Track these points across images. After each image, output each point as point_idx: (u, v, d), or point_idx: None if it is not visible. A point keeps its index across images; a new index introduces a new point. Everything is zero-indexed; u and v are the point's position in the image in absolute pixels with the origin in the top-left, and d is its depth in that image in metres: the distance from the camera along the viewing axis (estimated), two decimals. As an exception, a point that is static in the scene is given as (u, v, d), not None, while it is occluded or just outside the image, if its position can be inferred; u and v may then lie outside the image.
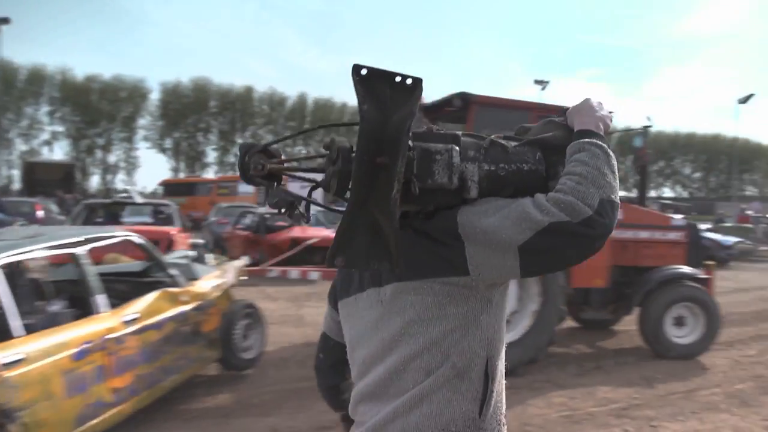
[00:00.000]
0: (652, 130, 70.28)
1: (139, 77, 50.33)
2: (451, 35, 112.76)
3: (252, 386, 5.56)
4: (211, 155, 53.63)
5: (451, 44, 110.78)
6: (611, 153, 1.29)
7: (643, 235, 6.89)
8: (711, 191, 73.28)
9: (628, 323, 7.62)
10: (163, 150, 52.18)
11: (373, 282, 1.39)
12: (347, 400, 1.54)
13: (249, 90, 52.55)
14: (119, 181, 50.57)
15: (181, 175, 49.24)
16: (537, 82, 51.64)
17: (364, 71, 1.14)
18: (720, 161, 71.13)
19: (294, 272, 8.23)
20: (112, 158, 51.30)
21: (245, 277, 6.56)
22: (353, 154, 1.18)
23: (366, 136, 1.14)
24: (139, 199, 14.69)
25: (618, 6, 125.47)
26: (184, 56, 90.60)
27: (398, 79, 1.16)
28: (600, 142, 1.30)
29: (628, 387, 5.69)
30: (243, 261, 6.83)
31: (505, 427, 1.40)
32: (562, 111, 1.45)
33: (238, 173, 1.37)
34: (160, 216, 11.32)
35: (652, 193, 66.86)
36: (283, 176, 1.37)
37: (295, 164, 1.41)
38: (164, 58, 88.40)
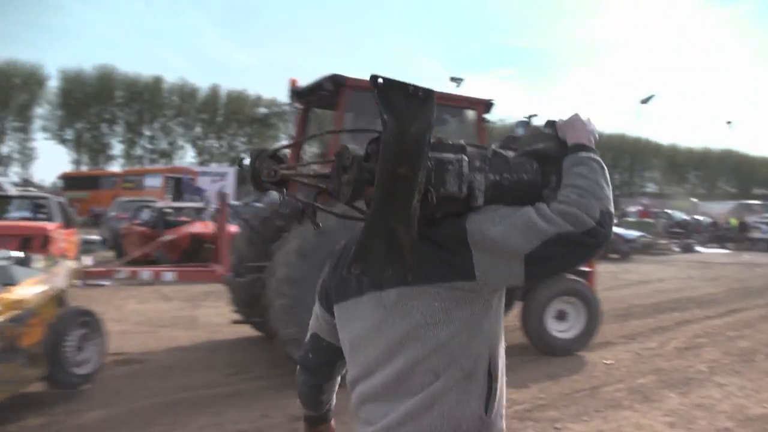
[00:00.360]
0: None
1: (35, 63, 46.96)
2: (370, 30, 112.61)
3: (126, 400, 4.95)
4: (117, 147, 50.90)
5: (370, 39, 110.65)
6: (605, 166, 1.37)
7: None
8: (616, 188, 75.71)
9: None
10: (63, 141, 48.99)
11: (372, 286, 1.41)
12: (325, 402, 1.71)
13: (158, 80, 50.15)
14: (13, 174, 47.02)
15: (84, 168, 46.43)
16: (453, 79, 52.33)
17: (380, 81, 1.19)
18: (624, 159, 74.81)
19: (146, 273, 7.49)
20: (4, 149, 47.68)
21: (80, 282, 5.94)
22: (365, 163, 1.26)
23: (388, 147, 1.17)
24: (12, 191, 13.42)
25: (528, 7, 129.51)
26: (86, 42, 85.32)
27: (411, 90, 1.20)
28: (596, 156, 1.38)
29: (534, 386, 5.51)
30: (78, 262, 6.12)
31: (504, 419, 1.45)
32: (550, 124, 1.50)
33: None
34: (42, 210, 10.29)
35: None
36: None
37: (310, 169, 1.46)
38: (64, 44, 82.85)
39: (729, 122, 66.22)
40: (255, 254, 5.93)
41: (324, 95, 5.91)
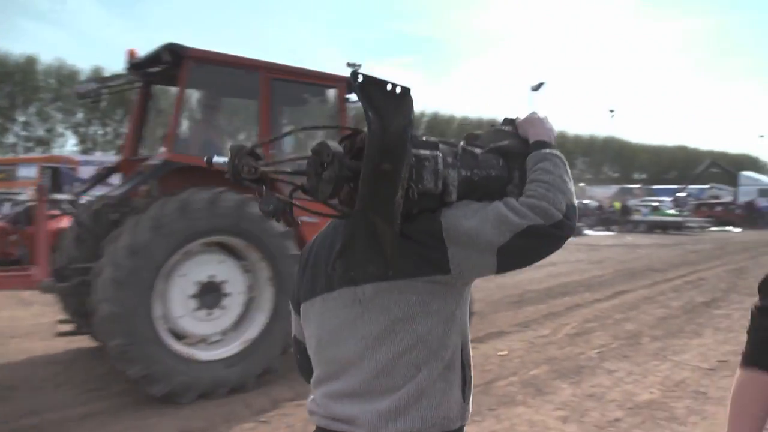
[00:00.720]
0: (457, 116, 74.63)
1: None
2: (270, 18, 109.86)
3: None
4: (-14, 135, 46.49)
5: (270, 27, 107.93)
6: (566, 162, 1.44)
7: None
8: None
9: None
10: None
11: (345, 282, 1.41)
12: None
13: (31, 60, 46.15)
14: None
15: (-55, 157, 42.03)
16: (349, 64, 51.88)
17: (360, 78, 1.22)
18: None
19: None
20: None
21: None
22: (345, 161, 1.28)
23: (372, 143, 1.21)
24: None
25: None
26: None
27: (389, 87, 1.24)
28: (558, 153, 1.45)
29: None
30: None
31: None
32: (509, 121, 1.55)
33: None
34: None
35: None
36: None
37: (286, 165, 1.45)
38: None
39: (611, 111, 69.97)
40: (85, 254, 5.17)
41: (165, 69, 5.27)
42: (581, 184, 58.41)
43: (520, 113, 1.55)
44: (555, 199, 1.34)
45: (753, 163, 62.47)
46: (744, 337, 1.38)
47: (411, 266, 1.34)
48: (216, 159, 1.63)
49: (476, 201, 1.39)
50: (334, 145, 1.30)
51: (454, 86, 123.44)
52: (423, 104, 68.52)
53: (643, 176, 79.28)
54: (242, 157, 1.33)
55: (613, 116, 70.38)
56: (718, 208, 33.47)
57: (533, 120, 1.51)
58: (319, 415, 1.47)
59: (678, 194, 40.88)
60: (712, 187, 42.33)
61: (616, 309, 8.63)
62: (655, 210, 31.84)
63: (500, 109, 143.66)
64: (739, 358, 1.39)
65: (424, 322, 1.37)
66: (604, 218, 28.50)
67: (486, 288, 10.31)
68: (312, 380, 1.54)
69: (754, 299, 1.38)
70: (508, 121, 1.55)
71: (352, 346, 1.40)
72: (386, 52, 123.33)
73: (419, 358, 1.37)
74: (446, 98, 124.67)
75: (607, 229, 27.84)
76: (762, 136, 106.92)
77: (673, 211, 32.49)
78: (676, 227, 27.70)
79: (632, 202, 32.72)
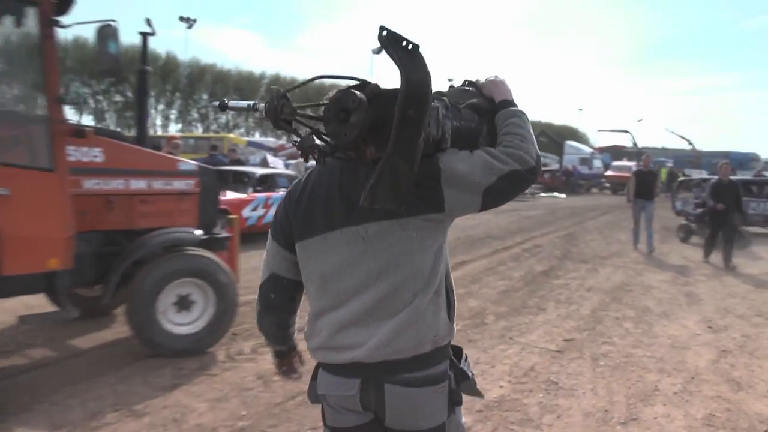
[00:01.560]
0: (299, 78, 72.83)
1: None
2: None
3: None
4: None
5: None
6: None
7: (138, 185, 4.90)
8: (352, 139, 79.76)
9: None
10: None
11: (347, 221, 1.61)
12: (292, 334, 1.95)
13: None
14: None
15: None
16: (182, 19, 48.50)
17: (384, 32, 1.42)
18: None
19: None
20: None
21: None
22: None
23: (401, 92, 1.39)
24: None
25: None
26: None
27: (404, 43, 1.41)
28: (522, 110, 1.69)
29: (235, 399, 4.19)
30: None
31: None
32: (470, 83, 1.78)
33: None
34: None
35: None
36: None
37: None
38: None
39: (450, 81, 71.82)
40: None
41: None
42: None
43: (480, 76, 1.79)
44: (528, 148, 1.62)
45: (573, 134, 67.49)
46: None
47: (412, 206, 1.54)
48: (233, 102, 1.73)
49: (459, 149, 1.60)
50: (359, 93, 1.46)
51: (300, 49, 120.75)
52: (263, 66, 65.96)
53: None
54: (280, 98, 1.49)
55: (451, 85, 72.16)
56: (546, 175, 35.43)
57: (496, 82, 1.75)
58: (324, 348, 1.69)
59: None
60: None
61: (459, 283, 8.07)
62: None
63: (344, 71, 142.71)
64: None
65: (420, 255, 1.61)
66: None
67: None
68: (313, 313, 1.72)
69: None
70: (470, 83, 1.78)
71: (357, 279, 1.62)
72: (224, 12, 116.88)
73: (416, 287, 1.61)
74: (291, 61, 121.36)
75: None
76: (581, 110, 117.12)
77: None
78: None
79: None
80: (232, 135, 44.83)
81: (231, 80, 68.06)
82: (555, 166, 38.76)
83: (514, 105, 1.71)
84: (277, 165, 15.65)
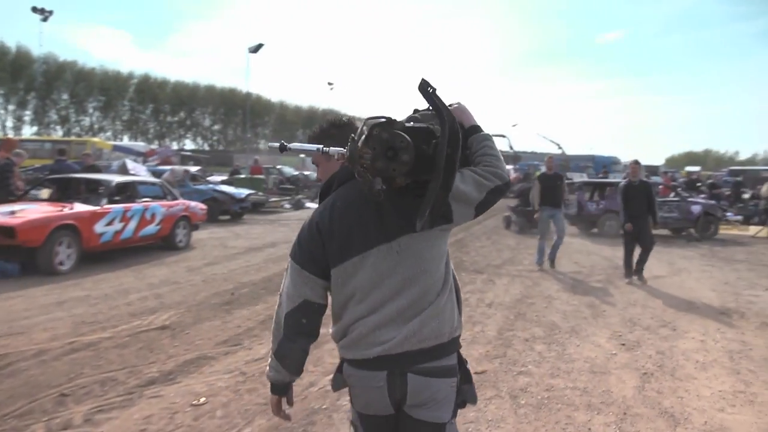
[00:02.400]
0: (170, 79, 68.91)
1: None
2: None
3: None
4: None
5: None
6: None
7: None
8: (229, 143, 76.76)
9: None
10: None
11: (383, 239, 1.89)
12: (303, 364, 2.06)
13: None
14: None
15: None
16: (35, 10, 44.58)
17: (429, 88, 1.75)
18: (237, 115, 74.86)
19: None
20: None
21: None
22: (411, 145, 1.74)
23: (443, 135, 1.71)
24: None
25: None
26: None
27: (430, 89, 1.75)
28: (488, 134, 2.01)
29: None
30: None
31: None
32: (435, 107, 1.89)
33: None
34: None
35: (174, 145, 66.14)
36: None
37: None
38: None
39: (330, 84, 71.19)
40: None
41: None
42: (302, 156, 58.43)
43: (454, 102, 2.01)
44: (502, 166, 1.94)
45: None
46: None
47: (436, 221, 1.86)
48: (295, 145, 2.04)
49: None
50: (405, 134, 1.73)
51: (172, 50, 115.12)
52: (131, 66, 61.81)
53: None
54: (362, 147, 1.75)
55: (332, 89, 71.66)
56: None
57: (463, 109, 2.01)
58: (354, 347, 1.93)
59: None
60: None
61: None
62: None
63: (219, 72, 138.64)
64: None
65: (439, 260, 1.94)
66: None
67: (190, 283, 8.09)
68: (346, 321, 1.94)
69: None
70: (434, 108, 1.84)
71: (392, 288, 1.89)
72: (86, 4, 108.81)
73: (438, 287, 1.93)
74: (163, 62, 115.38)
75: (329, 201, 27.31)
76: (515, 125, 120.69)
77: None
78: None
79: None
80: (96, 139, 41.24)
81: (95, 79, 62.98)
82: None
83: (481, 129, 2.00)
84: (138, 172, 13.87)
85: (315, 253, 1.93)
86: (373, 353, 1.89)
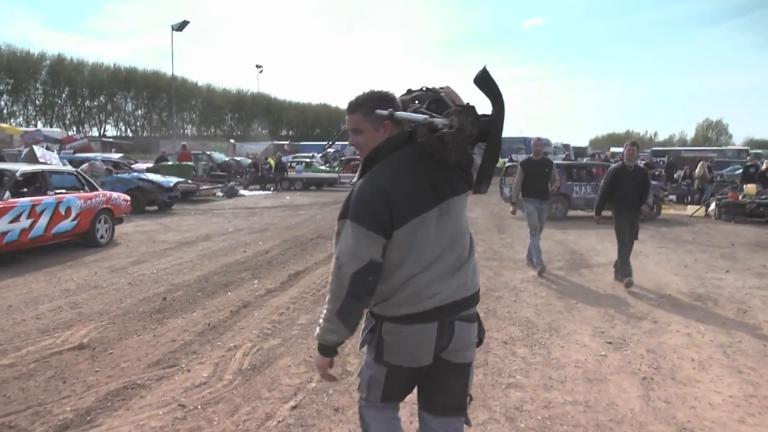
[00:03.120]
0: (88, 61, 65.16)
1: None
2: None
3: None
4: None
5: None
6: None
7: None
8: (154, 129, 73.39)
9: None
10: None
11: (435, 201, 2.14)
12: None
13: None
14: None
15: None
16: None
17: (488, 75, 2.05)
18: (161, 99, 71.51)
19: None
20: None
21: None
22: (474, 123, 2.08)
23: (500, 115, 2.08)
24: None
25: None
26: None
27: (496, 84, 2.07)
28: None
29: None
30: None
31: None
32: (430, 89, 2.32)
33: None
34: None
35: (95, 132, 62.64)
36: None
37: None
38: None
39: (259, 67, 68.90)
40: None
41: None
42: (231, 141, 56.39)
43: (442, 85, 2.32)
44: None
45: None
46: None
47: (466, 185, 2.23)
48: (402, 114, 2.17)
49: None
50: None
51: (93, 33, 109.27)
52: (44, 47, 57.86)
53: (291, 133, 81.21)
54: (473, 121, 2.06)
55: (261, 72, 69.39)
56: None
57: (454, 91, 2.30)
58: (409, 303, 2.12)
59: (327, 150, 41.75)
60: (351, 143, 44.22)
61: (299, 306, 6.34)
62: (309, 166, 31.40)
63: (143, 56, 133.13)
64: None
65: (467, 222, 2.30)
66: (259, 176, 26.54)
67: (113, 287, 7.05)
68: (399, 279, 2.12)
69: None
70: (430, 89, 2.31)
71: (441, 245, 2.16)
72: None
73: (469, 245, 2.26)
74: (81, 43, 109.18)
75: (263, 188, 26.12)
76: None
77: (324, 167, 32.55)
78: (330, 183, 27.49)
79: (285, 159, 31.68)
80: (5, 125, 38.14)
81: (1, 60, 58.45)
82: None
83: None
84: (50, 160, 12.38)
85: (381, 215, 2.06)
86: (428, 306, 2.11)
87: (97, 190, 10.16)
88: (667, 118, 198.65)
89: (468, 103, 2.11)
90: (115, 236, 10.63)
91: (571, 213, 15.54)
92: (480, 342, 2.31)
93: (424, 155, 2.12)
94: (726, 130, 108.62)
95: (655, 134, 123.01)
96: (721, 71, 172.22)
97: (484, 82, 2.03)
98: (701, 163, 20.77)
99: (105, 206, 10.04)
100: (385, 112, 2.11)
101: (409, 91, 2.34)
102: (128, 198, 11.27)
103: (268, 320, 5.75)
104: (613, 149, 59.87)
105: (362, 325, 2.26)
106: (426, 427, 2.33)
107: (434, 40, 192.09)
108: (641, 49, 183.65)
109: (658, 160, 38.55)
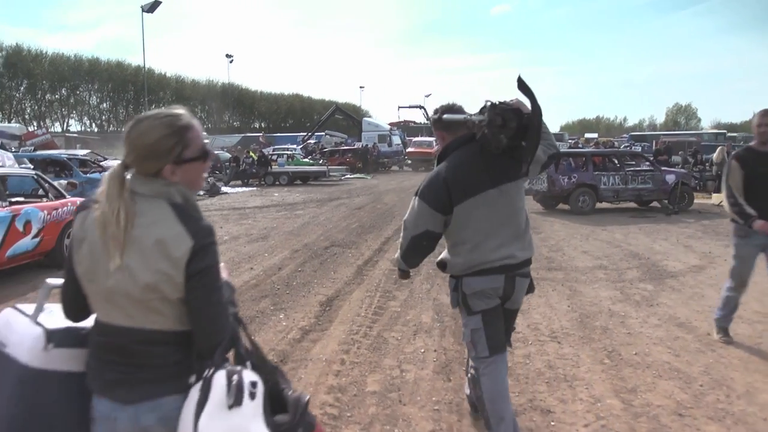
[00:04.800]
0: (47, 52, 61.79)
1: None
2: None
3: None
4: None
5: None
6: None
7: None
8: (121, 123, 70.27)
9: None
10: None
11: (491, 185, 2.84)
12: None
13: None
14: None
15: None
16: None
17: (524, 82, 2.64)
18: (127, 91, 68.43)
19: None
20: None
21: None
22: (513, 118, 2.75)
23: (539, 113, 2.68)
24: None
25: None
26: None
27: (531, 88, 2.67)
28: (545, 122, 2.98)
29: None
30: None
31: None
32: (495, 103, 2.82)
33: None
34: None
35: (57, 128, 59.50)
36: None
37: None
38: None
39: (229, 57, 66.14)
40: None
41: None
42: (203, 134, 53.77)
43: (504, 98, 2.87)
44: (554, 141, 3.04)
45: (356, 111, 66.36)
46: None
47: (521, 172, 2.86)
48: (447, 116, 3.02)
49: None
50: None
51: (48, 24, 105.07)
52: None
53: (263, 124, 78.70)
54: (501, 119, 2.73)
55: (231, 62, 66.60)
56: (349, 155, 32.93)
57: (521, 101, 2.81)
58: (481, 262, 2.88)
59: (308, 141, 39.81)
60: (326, 134, 42.40)
61: (356, 358, 4.63)
62: (291, 159, 29.50)
63: (106, 46, 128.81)
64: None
65: (523, 204, 2.97)
66: (240, 172, 24.52)
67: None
68: (469, 246, 2.89)
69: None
70: (496, 103, 2.80)
71: (498, 220, 2.87)
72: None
73: (525, 222, 2.96)
74: (38, 36, 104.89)
75: (246, 184, 24.17)
76: (362, 87, 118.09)
77: (307, 160, 30.69)
78: (317, 177, 25.64)
79: (267, 151, 29.74)
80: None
81: None
82: (358, 145, 36.43)
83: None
84: (2, 161, 10.20)
85: (441, 196, 2.87)
86: (495, 264, 2.87)
87: (64, 196, 8.21)
88: (634, 104, 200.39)
89: (492, 101, 2.77)
90: (89, 252, 8.75)
91: (598, 206, 14.06)
92: (532, 289, 3.13)
93: (484, 150, 2.83)
94: (695, 114, 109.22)
95: (625, 119, 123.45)
96: (686, 56, 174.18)
97: (523, 87, 2.65)
98: (720, 148, 19.45)
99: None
100: (436, 116, 3.05)
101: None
102: (103, 204, 9.26)
103: (325, 387, 4.02)
104: (588, 135, 59.06)
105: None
106: None
107: (402, 27, 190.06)
108: (606, 35, 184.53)
109: (638, 144, 37.56)
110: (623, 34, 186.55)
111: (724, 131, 60.96)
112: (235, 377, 1.50)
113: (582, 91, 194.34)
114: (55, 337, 1.66)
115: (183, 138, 1.59)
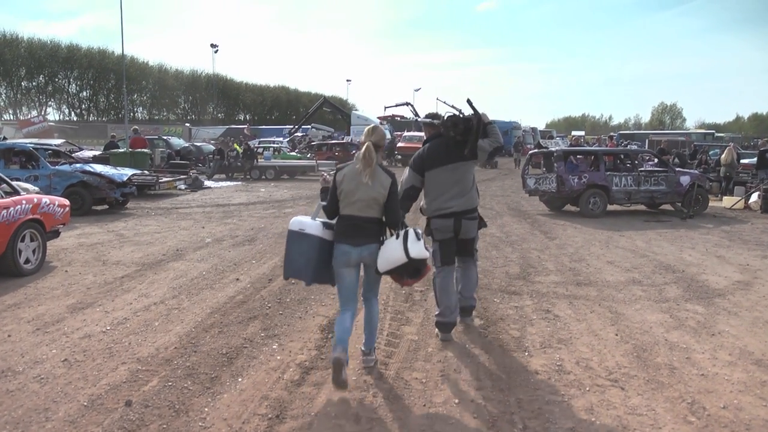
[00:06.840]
0: (23, 37, 59.56)
1: None
2: None
3: None
4: None
5: None
6: None
7: None
8: (102, 113, 68.40)
9: None
10: None
11: (448, 162, 4.79)
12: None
13: None
14: None
15: None
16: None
17: (471, 102, 4.88)
18: (108, 80, 66.54)
19: None
20: None
21: None
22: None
23: (480, 120, 4.81)
24: None
25: None
26: None
27: (471, 102, 4.91)
28: (495, 125, 5.07)
29: None
30: None
31: None
32: (466, 117, 4.93)
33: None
34: None
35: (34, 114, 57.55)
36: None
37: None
38: None
39: (214, 47, 64.49)
40: None
41: None
42: (187, 125, 52.36)
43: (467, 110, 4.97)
44: (500, 139, 4.95)
45: (343, 104, 65.08)
46: None
47: (472, 156, 4.81)
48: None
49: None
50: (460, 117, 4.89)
51: (26, 12, 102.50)
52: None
53: (248, 116, 77.08)
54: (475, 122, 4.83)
55: (216, 52, 64.89)
56: (338, 149, 31.78)
57: (485, 114, 4.88)
58: (439, 209, 4.82)
59: (295, 134, 38.63)
60: (312, 127, 41.26)
61: (369, 409, 3.61)
62: (278, 153, 28.32)
63: (86, 34, 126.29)
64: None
65: (470, 175, 4.94)
66: (225, 165, 23.29)
67: (40, 377, 4.19)
68: (431, 198, 4.89)
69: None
70: (467, 116, 4.85)
71: (450, 184, 4.80)
72: None
73: (471, 186, 4.92)
74: (14, 24, 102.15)
75: (230, 178, 22.97)
76: (349, 81, 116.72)
77: (294, 153, 29.52)
78: (304, 172, 24.46)
79: (254, 143, 28.51)
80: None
81: None
82: (346, 139, 35.29)
83: (493, 123, 4.91)
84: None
85: (419, 165, 4.83)
86: (448, 211, 4.78)
87: (18, 193, 7.05)
88: (618, 102, 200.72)
89: (448, 114, 4.84)
90: (49, 256, 7.62)
91: (609, 208, 13.15)
92: (482, 226, 5.13)
93: (449, 141, 4.80)
94: (680, 113, 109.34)
95: (610, 117, 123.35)
96: (671, 56, 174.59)
97: (470, 103, 4.83)
98: (728, 148, 18.64)
99: (31, 217, 6.94)
100: (423, 119, 5.22)
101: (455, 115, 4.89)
102: (66, 203, 7.98)
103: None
104: (575, 132, 58.39)
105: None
106: (460, 263, 5.07)
107: (389, 22, 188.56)
108: (591, 33, 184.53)
109: (626, 143, 36.82)
110: (608, 32, 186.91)
111: (713, 131, 60.68)
112: (415, 230, 3.97)
113: (567, 88, 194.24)
114: (326, 225, 4.04)
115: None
